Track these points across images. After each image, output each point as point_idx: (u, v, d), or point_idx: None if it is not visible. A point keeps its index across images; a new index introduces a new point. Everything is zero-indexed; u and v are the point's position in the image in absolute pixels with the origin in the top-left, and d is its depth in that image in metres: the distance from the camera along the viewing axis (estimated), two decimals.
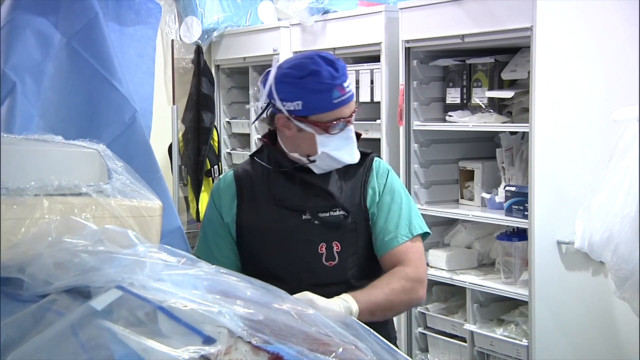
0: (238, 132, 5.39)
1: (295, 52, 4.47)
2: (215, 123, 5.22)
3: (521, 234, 3.46)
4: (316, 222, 2.24)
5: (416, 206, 2.39)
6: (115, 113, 2.46)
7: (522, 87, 3.46)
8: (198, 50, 5.13)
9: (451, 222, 3.96)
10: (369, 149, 2.37)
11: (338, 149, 2.22)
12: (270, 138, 2.35)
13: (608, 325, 3.45)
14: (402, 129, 3.86)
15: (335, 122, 2.19)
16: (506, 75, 3.56)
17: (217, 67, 5.33)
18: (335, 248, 2.24)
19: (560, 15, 3.23)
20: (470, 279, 3.66)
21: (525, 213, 3.34)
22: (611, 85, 3.35)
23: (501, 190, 3.60)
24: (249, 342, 1.30)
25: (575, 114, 3.30)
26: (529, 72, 3.28)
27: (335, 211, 2.25)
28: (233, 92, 5.45)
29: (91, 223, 1.56)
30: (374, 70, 4.01)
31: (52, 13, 2.49)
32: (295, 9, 4.35)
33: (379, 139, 3.99)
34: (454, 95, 3.79)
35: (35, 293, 1.34)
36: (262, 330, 1.32)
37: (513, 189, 3.47)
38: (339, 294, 2.12)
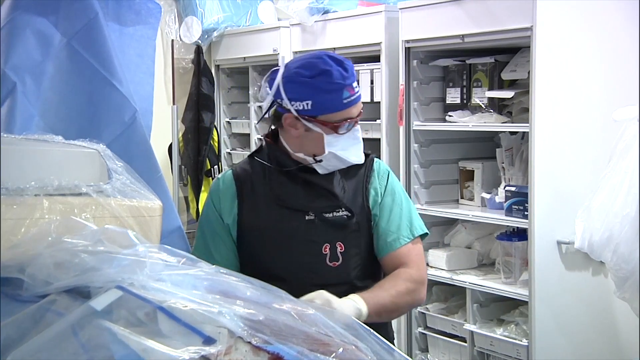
0: (238, 132, 5.39)
1: (295, 52, 4.47)
2: (215, 123, 5.22)
3: (521, 234, 3.46)
4: (320, 222, 2.23)
5: (414, 207, 2.40)
6: (116, 113, 2.46)
7: (522, 87, 3.46)
8: (198, 50, 5.13)
9: (451, 222, 3.96)
10: (369, 149, 2.37)
11: (345, 149, 2.22)
12: (271, 137, 2.34)
13: (608, 325, 3.45)
14: (402, 129, 3.86)
15: (344, 122, 2.19)
16: (506, 75, 3.56)
17: (217, 67, 5.33)
18: (339, 248, 2.24)
19: (560, 15, 3.23)
20: (470, 279, 3.66)
21: (525, 213, 3.34)
22: (611, 85, 3.35)
23: (501, 190, 3.60)
24: (249, 343, 1.30)
25: (575, 114, 3.30)
26: (529, 72, 3.28)
27: (339, 211, 2.24)
28: (233, 92, 5.45)
29: (91, 223, 1.56)
30: (374, 70, 4.01)
31: (52, 13, 2.49)
32: (295, 9, 4.35)
33: (379, 139, 3.99)
34: (454, 95, 3.79)
35: (35, 293, 1.34)
36: (262, 330, 1.32)
37: (513, 189, 3.47)
38: (342, 294, 2.12)
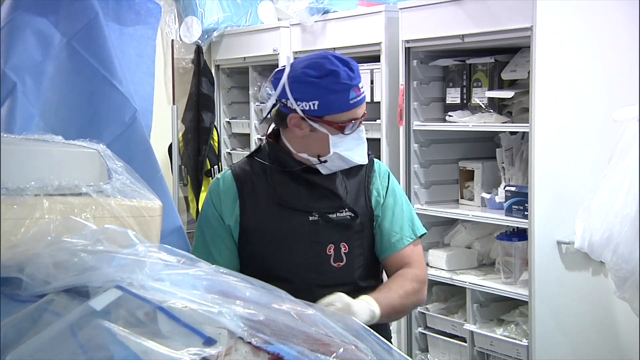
0: (238, 132, 5.38)
1: (295, 52, 4.47)
2: (215, 123, 5.22)
3: (521, 234, 3.46)
4: (324, 223, 2.23)
5: (412, 207, 2.42)
6: (116, 113, 2.46)
7: (522, 87, 3.46)
8: (198, 50, 5.13)
9: (451, 222, 3.96)
10: (369, 149, 2.37)
11: (349, 150, 2.22)
12: (273, 137, 2.33)
13: (608, 325, 3.45)
14: (402, 129, 3.86)
15: (349, 123, 2.19)
16: (506, 75, 3.56)
17: (217, 67, 5.33)
18: (343, 249, 2.24)
19: (560, 15, 3.23)
20: (470, 279, 3.65)
21: (525, 213, 3.34)
22: (611, 85, 3.34)
23: (501, 190, 3.60)
24: (249, 343, 1.30)
25: (575, 114, 3.30)
26: (529, 72, 3.28)
27: (342, 212, 2.24)
28: (233, 92, 5.45)
29: (91, 223, 1.56)
30: (374, 70, 4.01)
31: (52, 13, 2.48)
32: (295, 9, 4.35)
33: (379, 139, 3.99)
34: (454, 95, 3.79)
35: (34, 293, 1.34)
36: (263, 330, 1.32)
37: (513, 189, 3.47)
38: (346, 294, 2.13)
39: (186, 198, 5.20)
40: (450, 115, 3.76)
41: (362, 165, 2.30)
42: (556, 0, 3.21)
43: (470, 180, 3.89)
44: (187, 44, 5.16)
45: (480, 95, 3.62)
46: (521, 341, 3.39)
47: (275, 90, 2.20)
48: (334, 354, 1.35)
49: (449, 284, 3.79)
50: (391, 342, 2.31)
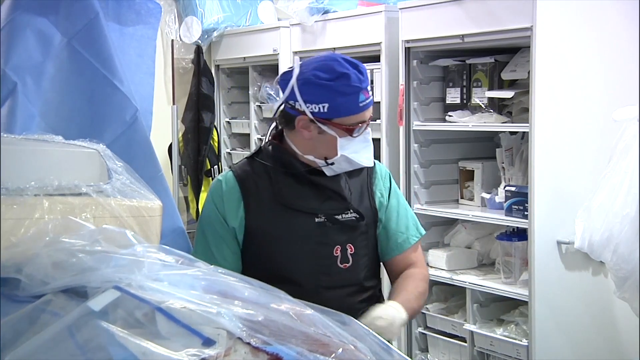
0: (238, 132, 5.38)
1: (295, 52, 4.47)
2: (215, 123, 5.22)
3: (521, 234, 3.46)
4: (331, 224, 2.23)
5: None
6: (117, 112, 2.46)
7: (522, 87, 3.46)
8: (198, 50, 5.13)
9: (451, 222, 3.96)
10: None
11: (356, 152, 2.21)
12: (276, 139, 2.32)
13: (608, 325, 3.45)
14: (402, 129, 3.86)
15: (358, 125, 2.18)
16: (506, 75, 3.56)
17: (217, 67, 5.33)
18: (349, 250, 2.25)
19: (560, 15, 3.23)
20: (470, 279, 3.65)
21: (525, 213, 3.34)
22: (611, 85, 3.34)
23: (501, 190, 3.60)
24: (248, 344, 1.30)
25: (575, 114, 3.30)
26: (529, 72, 3.28)
27: (348, 213, 2.25)
28: (233, 92, 5.45)
29: (91, 223, 1.56)
30: (374, 70, 4.01)
31: (53, 13, 2.49)
32: (295, 9, 4.35)
33: (379, 139, 3.98)
34: (454, 95, 3.79)
35: (32, 293, 1.34)
36: (262, 330, 1.32)
37: (513, 189, 3.47)
38: (351, 295, 2.20)
39: (186, 198, 5.20)
40: (450, 115, 3.76)
41: (363, 167, 2.30)
42: (556, 0, 3.21)
43: (470, 180, 3.89)
44: (187, 44, 5.16)
45: (480, 95, 3.61)
46: (521, 341, 3.39)
47: (283, 91, 2.20)
48: (333, 354, 1.35)
49: (449, 284, 3.79)
50: (390, 342, 2.32)
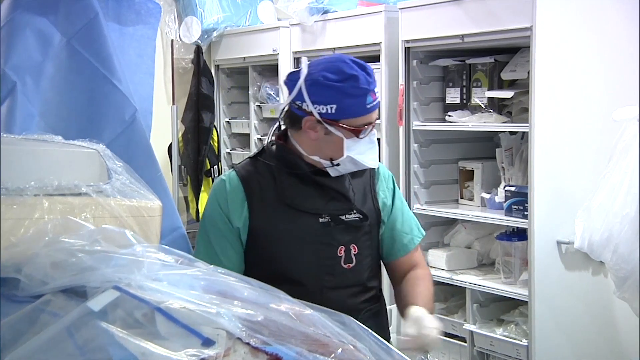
0: (238, 132, 5.38)
1: (295, 52, 4.47)
2: (215, 123, 5.22)
3: (521, 234, 3.46)
4: (335, 225, 2.23)
5: None
6: (116, 112, 2.46)
7: (522, 87, 3.46)
8: (198, 50, 5.13)
9: (451, 222, 3.95)
10: None
11: (362, 153, 2.21)
12: (281, 139, 2.32)
13: (608, 325, 3.45)
14: (402, 129, 3.86)
15: (364, 127, 2.18)
16: (506, 75, 3.56)
17: (217, 67, 5.33)
18: (353, 250, 2.25)
19: (560, 15, 3.23)
20: (470, 279, 3.65)
21: (525, 213, 3.34)
22: (611, 85, 3.34)
23: (501, 190, 3.60)
24: (248, 344, 1.30)
25: (575, 114, 3.30)
26: (528, 72, 3.28)
27: (351, 214, 2.25)
28: (233, 92, 5.45)
29: (90, 223, 1.55)
30: (374, 71, 4.00)
31: (52, 13, 2.49)
32: (295, 9, 4.35)
33: (379, 139, 3.96)
34: (453, 95, 3.78)
35: (32, 293, 1.34)
36: (261, 331, 1.32)
37: (513, 189, 3.47)
38: (355, 295, 2.22)
39: (186, 198, 5.20)
40: (450, 115, 3.76)
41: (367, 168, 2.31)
42: (556, 0, 3.21)
43: (470, 180, 3.89)
44: (186, 44, 5.16)
45: (480, 95, 3.61)
46: (521, 341, 3.39)
47: (290, 91, 2.19)
48: (333, 354, 1.34)
49: (448, 284, 3.78)
50: (390, 342, 2.32)
